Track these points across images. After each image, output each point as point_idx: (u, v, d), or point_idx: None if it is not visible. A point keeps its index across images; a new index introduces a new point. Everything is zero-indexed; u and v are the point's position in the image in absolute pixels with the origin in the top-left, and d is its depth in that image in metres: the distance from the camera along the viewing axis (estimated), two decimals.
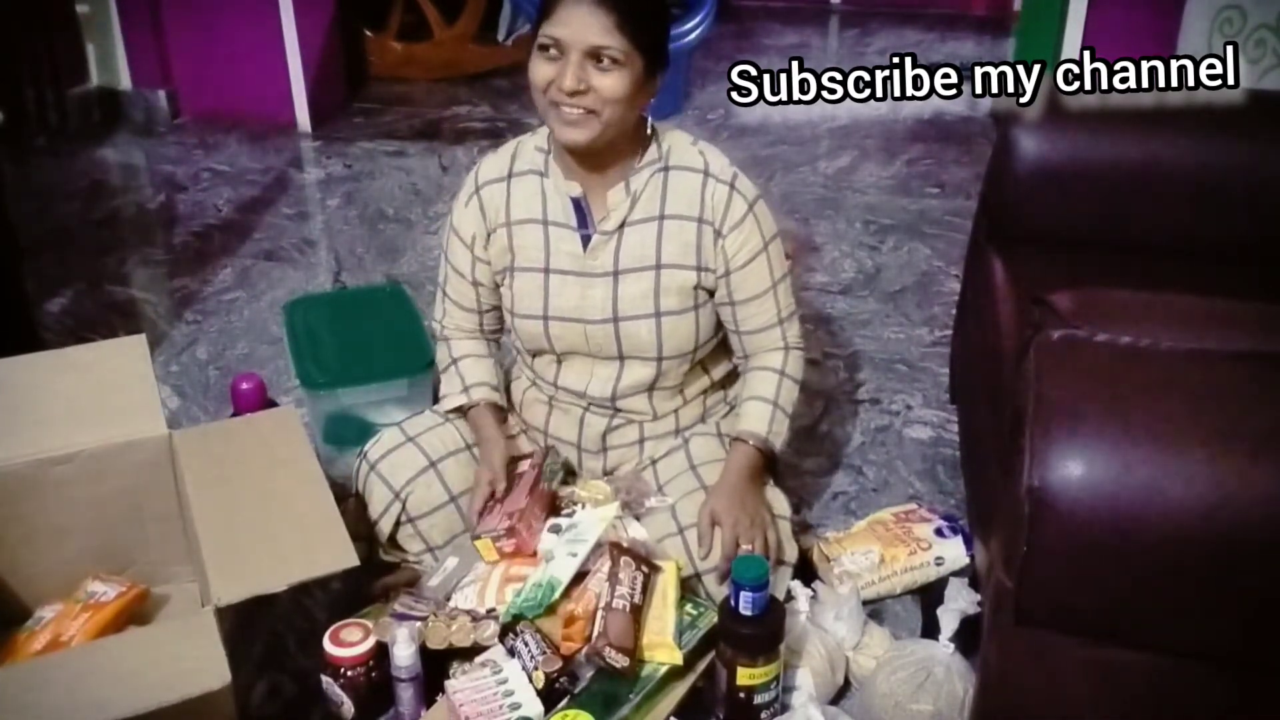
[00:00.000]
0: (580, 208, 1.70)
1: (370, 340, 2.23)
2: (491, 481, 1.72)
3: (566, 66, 1.54)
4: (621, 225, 1.69)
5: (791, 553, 1.72)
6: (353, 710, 1.58)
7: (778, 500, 1.75)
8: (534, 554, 1.67)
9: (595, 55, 1.54)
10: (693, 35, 4.00)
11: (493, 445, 1.76)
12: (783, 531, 1.71)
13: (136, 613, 1.69)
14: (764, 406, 1.76)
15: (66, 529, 1.70)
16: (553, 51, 1.55)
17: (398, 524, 1.76)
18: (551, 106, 1.58)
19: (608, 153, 1.65)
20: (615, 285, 1.70)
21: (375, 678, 1.58)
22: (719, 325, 1.79)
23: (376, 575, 1.78)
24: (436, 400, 1.98)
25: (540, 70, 1.57)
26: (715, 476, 1.71)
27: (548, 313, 1.73)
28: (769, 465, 1.78)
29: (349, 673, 1.57)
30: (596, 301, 1.71)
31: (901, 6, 5.51)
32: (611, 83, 1.55)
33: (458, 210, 1.78)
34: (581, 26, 1.53)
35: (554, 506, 1.74)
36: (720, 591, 1.63)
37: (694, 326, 1.74)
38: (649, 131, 1.70)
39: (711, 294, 1.74)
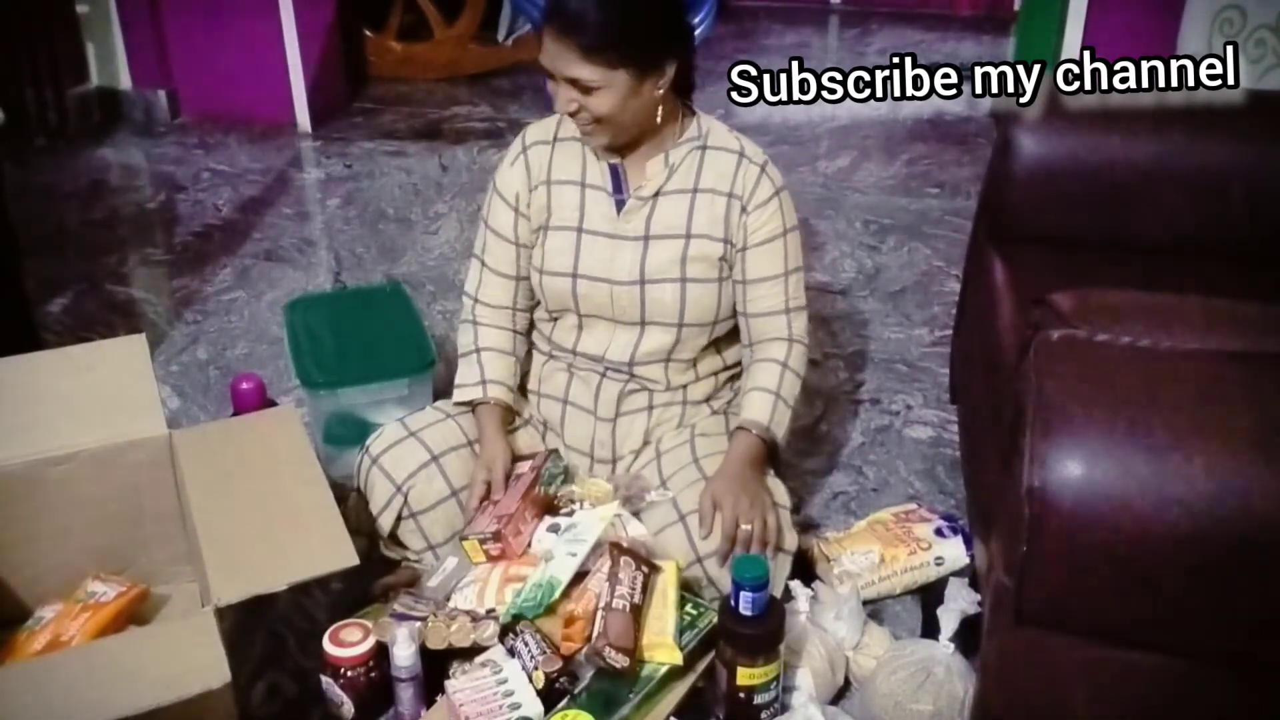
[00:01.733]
0: (617, 174, 1.77)
1: (370, 340, 2.23)
2: (487, 481, 1.73)
3: (558, 91, 1.65)
4: (656, 194, 1.75)
5: (791, 541, 1.72)
6: (353, 710, 1.58)
7: (778, 490, 1.76)
8: (521, 556, 1.68)
9: (574, 83, 1.62)
10: (693, 35, 4.00)
11: (494, 445, 1.78)
12: (783, 520, 1.71)
13: (136, 613, 1.69)
14: (766, 397, 1.78)
15: (66, 529, 1.70)
16: (548, 75, 1.65)
17: (399, 519, 1.76)
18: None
19: (637, 139, 1.74)
20: (645, 249, 1.76)
21: (375, 678, 1.58)
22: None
23: (377, 574, 1.79)
24: (436, 400, 1.98)
25: (549, 86, 1.67)
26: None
27: (577, 271, 1.78)
28: (770, 456, 1.79)
29: (349, 673, 1.57)
30: (625, 263, 1.76)
31: (901, 6, 5.50)
32: (598, 102, 1.64)
33: (502, 172, 1.84)
34: (556, 58, 1.62)
35: (551, 509, 1.74)
36: (722, 575, 1.63)
37: (717, 297, 1.78)
38: (690, 112, 1.78)
39: (733, 269, 1.79)
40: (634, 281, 1.76)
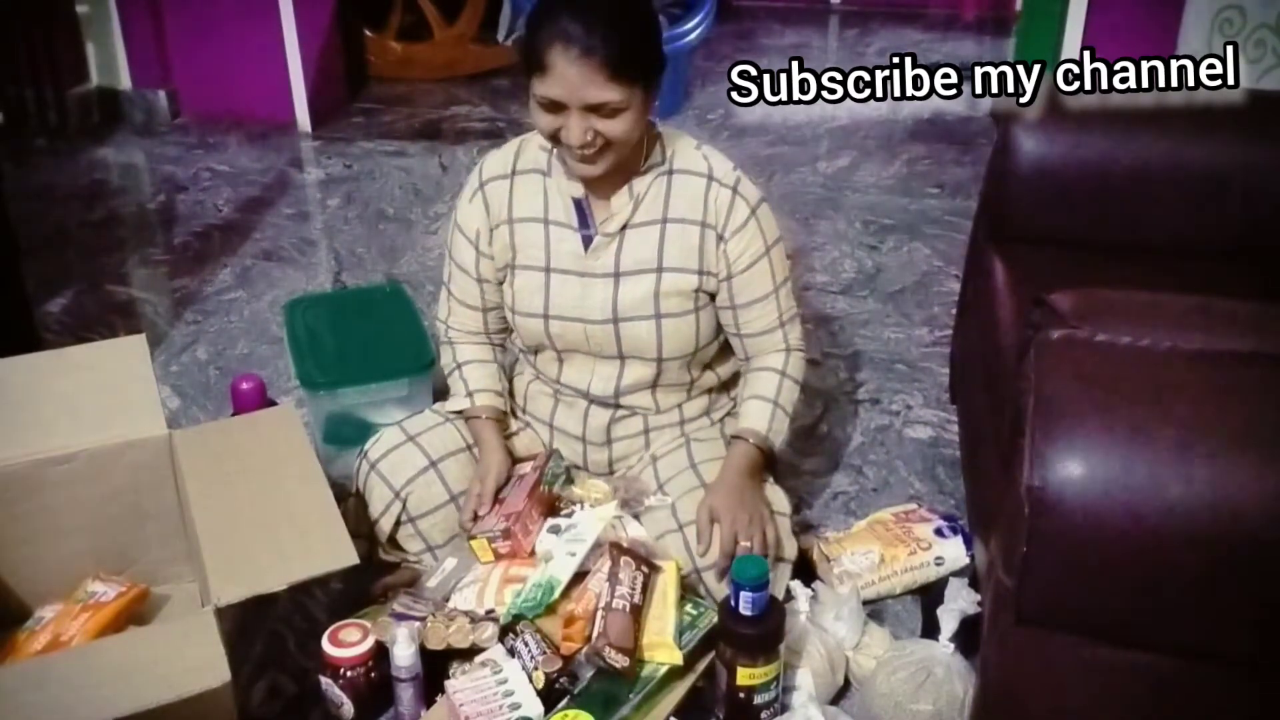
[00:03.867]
0: (582, 208, 1.70)
1: (370, 340, 2.23)
2: (480, 493, 1.72)
3: (570, 122, 1.54)
4: (623, 228, 1.69)
5: (791, 549, 1.72)
6: (352, 710, 1.58)
7: (777, 497, 1.75)
8: (530, 555, 1.68)
9: (596, 109, 1.53)
10: (693, 35, 3.99)
11: (490, 454, 1.77)
12: (782, 528, 1.71)
13: (136, 613, 1.69)
14: (764, 405, 1.76)
15: (66, 529, 1.70)
16: (550, 107, 1.55)
17: (398, 523, 1.76)
18: (560, 147, 1.59)
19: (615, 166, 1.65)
20: (616, 286, 1.70)
21: (375, 678, 1.58)
22: (720, 328, 1.79)
23: (376, 575, 1.78)
24: (436, 400, 1.98)
25: (544, 120, 1.57)
26: (715, 475, 1.71)
27: (548, 311, 1.73)
28: (768, 464, 1.78)
29: (348, 673, 1.57)
30: (597, 302, 1.71)
31: (901, 6, 5.51)
32: (618, 125, 1.55)
33: (462, 207, 1.78)
34: (578, 86, 1.51)
35: (553, 508, 1.74)
36: (720, 589, 1.63)
37: (694, 329, 1.74)
38: (655, 134, 1.69)
39: (713, 297, 1.74)
40: (607, 320, 1.71)
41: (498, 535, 1.66)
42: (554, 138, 1.58)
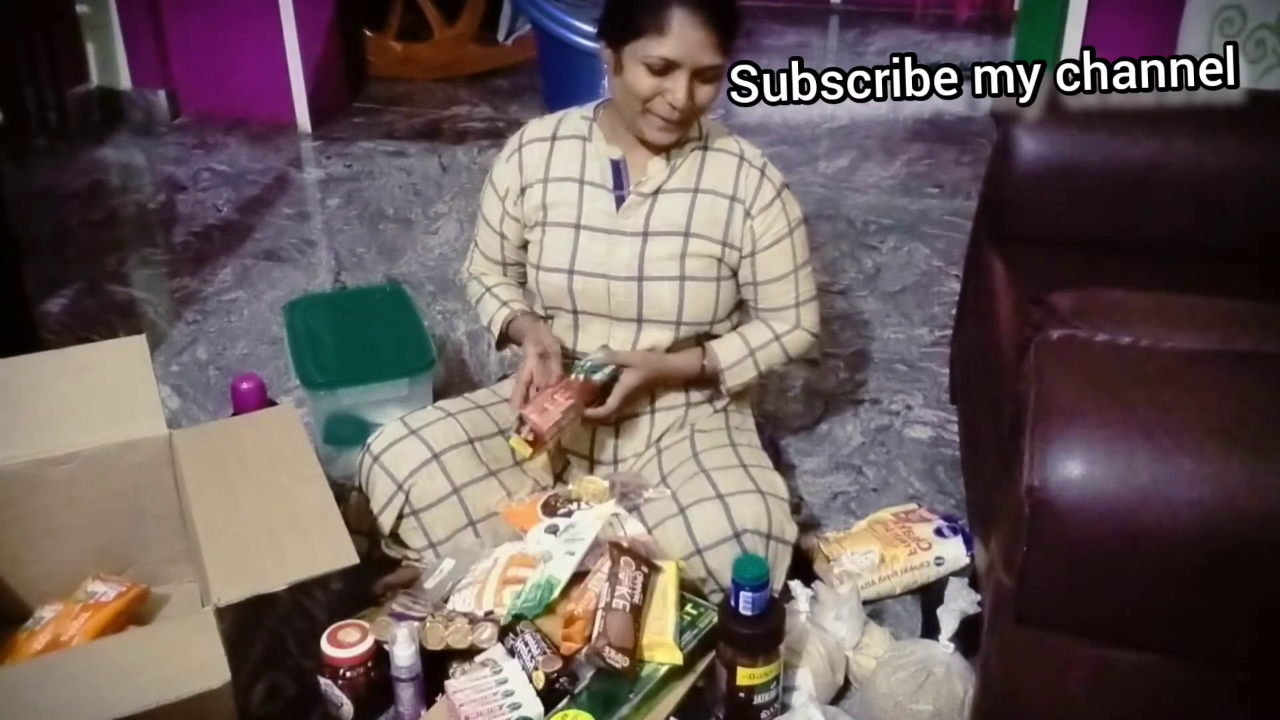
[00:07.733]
0: (618, 170, 1.78)
1: (370, 340, 2.23)
2: (541, 354, 1.75)
3: (678, 84, 1.63)
4: (656, 191, 1.77)
5: (791, 532, 1.72)
6: (352, 711, 1.58)
7: (776, 481, 1.76)
8: (549, 432, 1.68)
9: (701, 73, 1.63)
10: None
11: (541, 330, 1.82)
12: (781, 511, 1.71)
13: (136, 613, 1.69)
14: (741, 347, 1.84)
15: (66, 529, 1.70)
16: (660, 68, 1.63)
17: (400, 517, 1.77)
18: (646, 113, 1.68)
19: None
20: (643, 245, 1.77)
21: (374, 678, 1.58)
22: (736, 307, 1.86)
23: (376, 575, 1.79)
24: (436, 400, 1.98)
25: (645, 83, 1.65)
26: (717, 462, 1.74)
27: (574, 267, 1.79)
28: (707, 386, 1.86)
29: (348, 674, 1.57)
30: (623, 259, 1.77)
31: (901, 6, 5.50)
32: (711, 92, 1.68)
33: (498, 165, 1.88)
34: (696, 49, 1.62)
35: (593, 393, 1.74)
36: (722, 569, 1.63)
37: (715, 296, 1.80)
38: None
39: (734, 272, 1.81)
40: (631, 277, 1.77)
41: (518, 425, 1.69)
42: (645, 101, 1.65)
